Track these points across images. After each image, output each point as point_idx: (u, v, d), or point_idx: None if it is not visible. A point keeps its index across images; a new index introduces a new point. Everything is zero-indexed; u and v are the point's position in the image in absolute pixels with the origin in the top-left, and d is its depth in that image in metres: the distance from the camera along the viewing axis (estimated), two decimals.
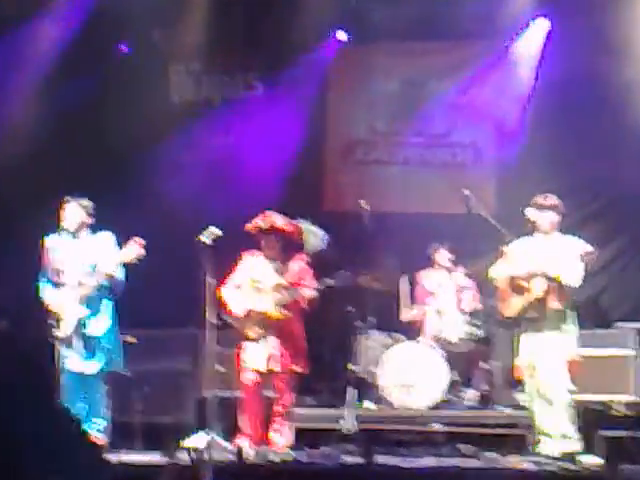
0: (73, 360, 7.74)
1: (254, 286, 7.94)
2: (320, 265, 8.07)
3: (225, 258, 7.83)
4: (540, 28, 10.57)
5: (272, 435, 7.86)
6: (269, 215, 7.95)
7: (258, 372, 7.79)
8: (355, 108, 11.10)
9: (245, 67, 11.12)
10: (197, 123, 10.76)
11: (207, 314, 7.74)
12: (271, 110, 10.78)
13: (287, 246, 7.94)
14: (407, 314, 9.79)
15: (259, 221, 7.91)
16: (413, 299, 9.88)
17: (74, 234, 7.88)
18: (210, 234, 7.66)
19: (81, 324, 7.78)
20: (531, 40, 10.62)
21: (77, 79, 10.43)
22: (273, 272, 7.93)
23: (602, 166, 9.99)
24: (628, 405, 8.95)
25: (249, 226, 7.93)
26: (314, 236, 8.01)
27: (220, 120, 10.83)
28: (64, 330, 7.72)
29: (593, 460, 7.19)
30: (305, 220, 8.04)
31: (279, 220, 7.91)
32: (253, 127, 10.75)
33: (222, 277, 7.95)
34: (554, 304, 7.49)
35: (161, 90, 10.95)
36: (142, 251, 7.52)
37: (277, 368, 7.77)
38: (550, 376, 7.43)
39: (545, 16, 10.51)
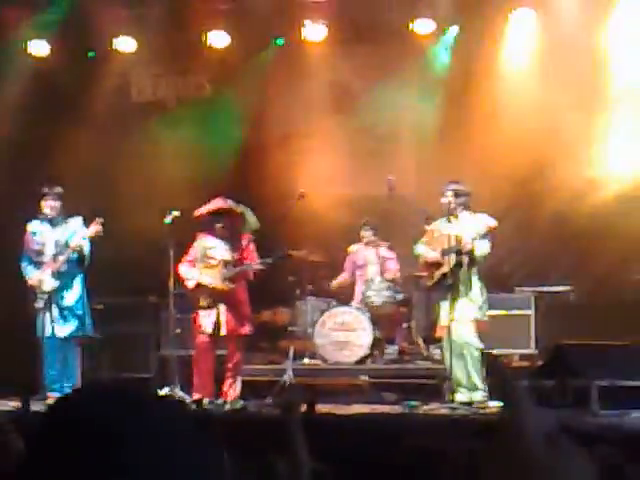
0: (49, 326, 8.58)
1: (205, 262, 8.57)
2: (262, 242, 8.71)
3: (183, 238, 8.61)
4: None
5: (225, 388, 8.49)
6: (218, 200, 8.64)
7: (209, 335, 8.46)
8: (291, 104, 11.40)
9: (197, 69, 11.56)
10: (154, 121, 11.33)
11: (169, 285, 8.59)
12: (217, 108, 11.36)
13: (233, 226, 8.58)
14: (335, 281, 10.47)
15: (210, 206, 8.61)
16: (345, 269, 10.45)
17: (52, 220, 8.79)
18: (171, 216, 8.57)
19: (55, 294, 8.66)
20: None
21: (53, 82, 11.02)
22: (223, 250, 8.56)
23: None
24: (526, 357, 9.58)
25: (201, 211, 8.61)
26: (252, 217, 8.63)
27: (175, 118, 11.42)
28: (42, 301, 8.59)
29: (498, 405, 7.00)
30: (243, 205, 8.68)
31: (227, 203, 8.60)
32: (202, 125, 11.32)
33: (180, 254, 8.66)
34: (465, 273, 8.14)
35: (124, 91, 11.49)
36: (100, 229, 8.47)
37: (224, 332, 8.46)
38: (462, 335, 8.04)
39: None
